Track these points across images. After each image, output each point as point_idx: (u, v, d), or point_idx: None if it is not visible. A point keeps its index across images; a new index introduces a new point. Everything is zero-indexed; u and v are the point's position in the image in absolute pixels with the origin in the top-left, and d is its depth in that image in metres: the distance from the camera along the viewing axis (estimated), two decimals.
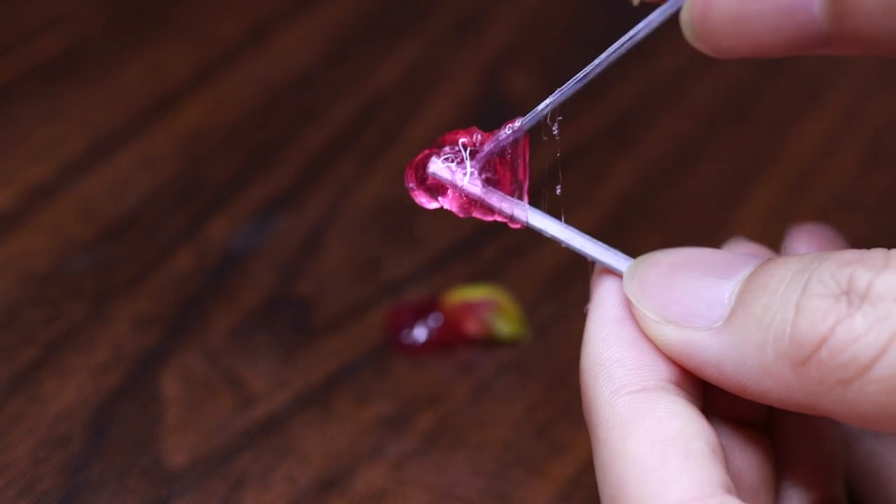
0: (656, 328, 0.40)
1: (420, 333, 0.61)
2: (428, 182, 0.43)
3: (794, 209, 0.70)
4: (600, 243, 0.43)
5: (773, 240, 0.68)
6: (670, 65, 0.78)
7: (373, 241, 0.66)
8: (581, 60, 0.67)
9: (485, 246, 0.66)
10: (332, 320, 0.62)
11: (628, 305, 0.41)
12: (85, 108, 0.73)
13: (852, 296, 0.36)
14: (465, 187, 0.43)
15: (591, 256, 0.43)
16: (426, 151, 0.43)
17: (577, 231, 0.43)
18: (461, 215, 0.44)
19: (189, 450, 0.55)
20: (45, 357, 0.59)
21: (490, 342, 0.61)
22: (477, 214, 0.44)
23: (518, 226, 0.44)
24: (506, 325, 0.61)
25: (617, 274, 0.42)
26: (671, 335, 0.40)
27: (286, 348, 0.60)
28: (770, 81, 0.78)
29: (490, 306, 0.61)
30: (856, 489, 0.47)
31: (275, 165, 0.70)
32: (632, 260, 0.42)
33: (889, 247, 0.47)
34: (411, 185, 0.44)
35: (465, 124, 0.74)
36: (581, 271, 0.65)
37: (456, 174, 0.43)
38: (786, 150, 0.74)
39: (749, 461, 0.43)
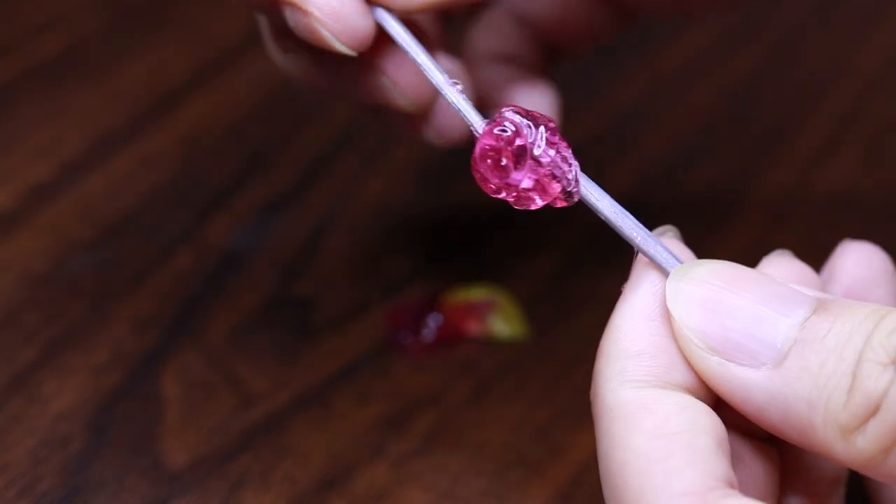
0: (699, 356, 0.40)
1: (420, 333, 0.60)
2: (503, 157, 0.42)
3: (794, 209, 0.70)
4: (650, 233, 0.42)
5: (773, 240, 0.68)
6: (670, 65, 0.78)
7: (373, 241, 0.66)
8: (581, 60, 0.67)
9: (485, 246, 0.66)
10: (332, 320, 0.62)
11: (663, 306, 0.40)
12: (85, 108, 0.73)
13: None
14: (539, 142, 0.41)
15: (639, 246, 0.42)
16: (487, 131, 0.42)
17: (629, 215, 0.42)
18: (526, 198, 0.42)
19: (189, 450, 0.55)
20: (45, 357, 0.59)
21: (490, 342, 0.61)
22: (530, 197, 0.42)
23: (563, 203, 0.43)
24: (506, 325, 0.61)
25: (661, 270, 0.41)
26: (715, 368, 0.39)
27: (286, 348, 0.60)
28: (770, 81, 0.78)
29: (490, 306, 0.61)
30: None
31: (275, 165, 0.70)
32: (678, 262, 0.41)
33: (888, 245, 0.47)
34: (486, 164, 0.42)
35: (465, 124, 0.74)
36: (581, 271, 0.65)
37: (531, 134, 0.42)
38: (786, 150, 0.74)
39: (755, 471, 0.43)
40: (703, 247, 0.67)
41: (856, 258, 0.46)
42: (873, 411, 0.37)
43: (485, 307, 0.61)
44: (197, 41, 0.78)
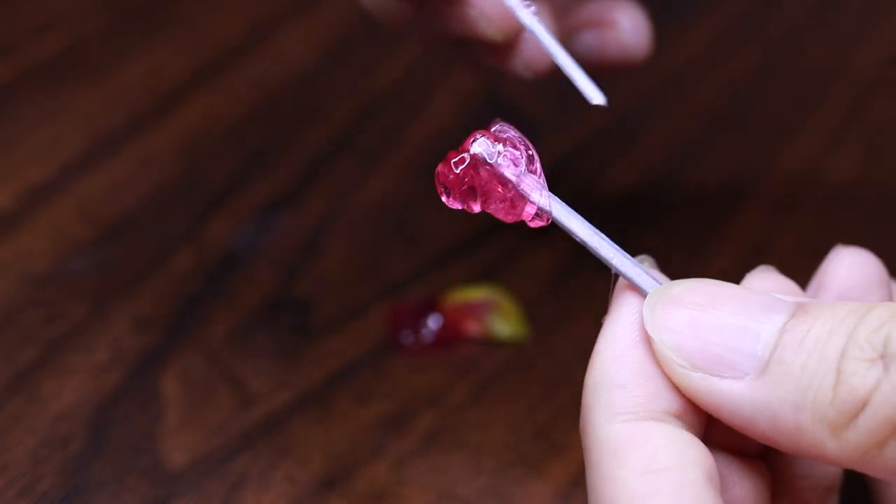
0: (682, 374, 0.39)
1: (420, 333, 0.60)
2: (467, 175, 0.42)
3: (794, 209, 0.70)
4: (626, 254, 0.41)
5: (773, 239, 0.68)
6: (670, 65, 0.78)
7: (373, 241, 0.66)
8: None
9: (485, 246, 0.66)
10: (332, 320, 0.62)
11: (644, 330, 0.40)
12: (85, 109, 0.73)
13: (887, 359, 0.36)
14: (501, 168, 0.41)
15: (616, 268, 0.41)
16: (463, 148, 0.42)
17: (603, 236, 0.42)
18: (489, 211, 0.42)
19: (189, 450, 0.55)
20: (45, 357, 0.59)
21: (490, 342, 0.61)
22: (497, 210, 0.42)
23: (539, 223, 0.42)
24: (506, 325, 0.61)
25: (639, 292, 0.41)
26: (699, 384, 0.39)
27: (286, 348, 0.60)
28: (770, 81, 0.78)
29: (490, 306, 0.61)
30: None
31: (275, 165, 0.70)
32: (656, 282, 0.41)
33: (888, 245, 0.46)
34: (444, 185, 0.42)
35: (465, 124, 0.74)
36: (581, 271, 0.65)
37: (500, 156, 0.42)
38: (786, 150, 0.74)
39: (746, 490, 0.42)
40: (704, 245, 0.68)
41: (849, 264, 0.46)
42: (862, 406, 0.37)
43: (485, 307, 0.61)
44: (197, 41, 0.78)
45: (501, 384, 0.59)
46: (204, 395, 0.58)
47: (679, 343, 0.39)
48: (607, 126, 0.74)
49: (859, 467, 0.38)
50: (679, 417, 0.40)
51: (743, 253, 0.67)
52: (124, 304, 0.62)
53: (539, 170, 0.42)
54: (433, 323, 0.61)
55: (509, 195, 0.41)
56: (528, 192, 0.41)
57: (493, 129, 0.42)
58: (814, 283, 0.46)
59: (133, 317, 0.61)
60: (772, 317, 0.39)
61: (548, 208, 0.42)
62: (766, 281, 0.44)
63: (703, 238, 0.68)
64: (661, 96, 0.77)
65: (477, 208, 0.42)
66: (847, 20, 0.83)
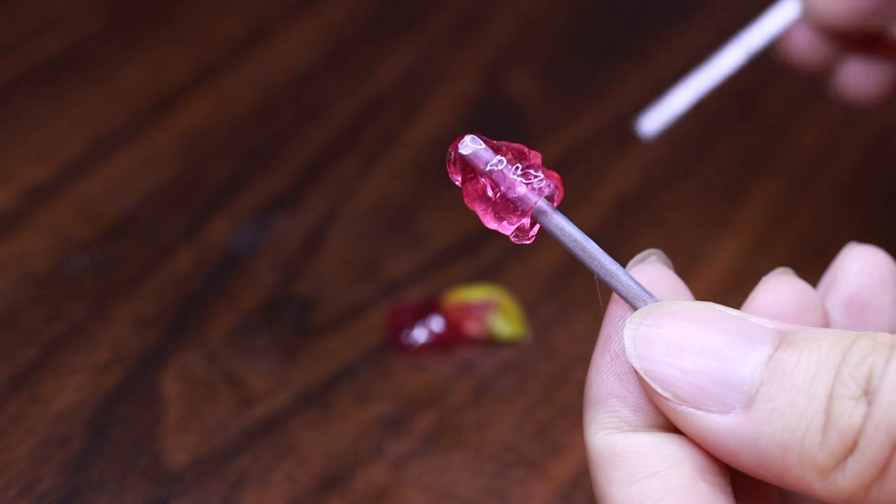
0: (667, 407, 0.39)
1: (420, 333, 0.61)
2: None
3: (794, 209, 0.70)
4: (619, 267, 0.40)
5: (773, 240, 0.68)
6: (670, 65, 0.78)
7: (373, 241, 0.66)
8: (581, 61, 0.67)
9: (485, 246, 0.66)
10: (332, 320, 0.62)
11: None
12: (85, 108, 0.73)
13: (870, 395, 0.36)
14: (491, 168, 0.40)
15: (607, 282, 0.40)
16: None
17: (596, 247, 0.40)
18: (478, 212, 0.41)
19: (189, 450, 0.55)
20: (45, 357, 0.59)
21: (490, 342, 0.61)
22: (490, 219, 0.41)
23: (526, 239, 0.42)
24: (506, 325, 0.61)
25: (630, 304, 0.40)
26: (683, 417, 0.38)
27: (286, 348, 0.60)
28: (771, 81, 0.78)
29: (490, 306, 0.61)
30: None
31: (275, 165, 0.70)
32: (650, 297, 0.40)
33: (888, 246, 0.46)
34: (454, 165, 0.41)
35: (464, 124, 0.75)
36: (581, 271, 0.65)
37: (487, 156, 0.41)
38: (786, 150, 0.74)
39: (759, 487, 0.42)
40: (703, 248, 0.68)
41: (861, 262, 0.45)
42: (851, 449, 0.36)
43: (485, 307, 0.61)
44: (197, 41, 0.78)
45: (501, 384, 0.59)
46: (204, 395, 0.58)
47: (662, 375, 0.38)
48: (607, 127, 0.74)
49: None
50: (665, 427, 0.39)
51: (743, 254, 0.67)
52: (124, 304, 0.62)
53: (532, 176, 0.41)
54: (433, 323, 0.61)
55: (496, 199, 0.41)
56: (520, 198, 0.41)
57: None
58: (825, 280, 0.46)
59: (133, 317, 0.61)
60: (756, 347, 0.38)
61: (542, 218, 0.41)
62: (783, 287, 0.43)
63: (703, 238, 0.68)
64: (660, 96, 0.77)
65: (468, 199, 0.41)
66: None
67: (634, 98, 0.76)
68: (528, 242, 0.41)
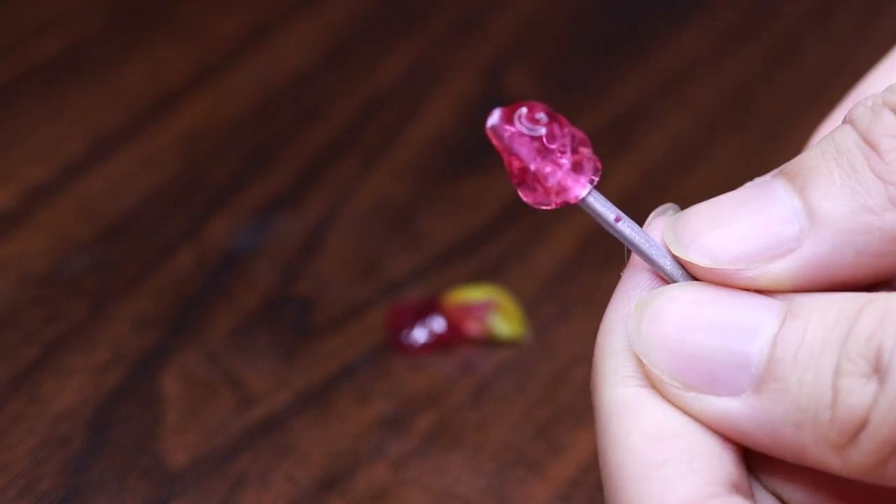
0: (675, 394, 0.38)
1: (420, 333, 0.60)
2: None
3: None
4: (653, 240, 0.40)
5: None
6: (670, 65, 0.78)
7: (373, 241, 0.66)
8: (581, 61, 0.67)
9: (485, 246, 0.66)
10: (332, 320, 0.62)
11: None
12: (85, 108, 0.73)
13: (881, 374, 0.35)
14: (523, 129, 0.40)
15: (644, 253, 0.40)
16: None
17: (632, 222, 0.40)
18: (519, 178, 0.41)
19: (189, 450, 0.55)
20: (45, 357, 0.59)
21: (490, 342, 0.61)
22: (525, 191, 0.41)
23: (565, 201, 0.41)
24: (506, 325, 0.61)
25: (661, 276, 0.39)
26: (693, 403, 0.37)
27: (286, 348, 0.60)
28: (771, 82, 0.78)
29: (490, 306, 0.61)
30: None
31: (275, 165, 0.70)
32: (681, 273, 0.39)
33: None
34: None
35: (464, 124, 0.75)
36: (581, 271, 0.65)
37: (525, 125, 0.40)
38: (786, 150, 0.74)
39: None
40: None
41: None
42: (862, 425, 0.36)
43: (485, 307, 0.61)
44: (197, 41, 0.78)
45: (501, 384, 0.59)
46: (204, 395, 0.58)
47: (667, 364, 0.38)
48: (607, 127, 0.74)
49: (867, 481, 0.37)
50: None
51: None
52: (124, 304, 0.62)
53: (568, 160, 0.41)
54: (433, 323, 0.61)
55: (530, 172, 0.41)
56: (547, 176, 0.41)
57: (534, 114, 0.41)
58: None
59: (133, 317, 0.61)
60: (761, 324, 0.37)
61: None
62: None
63: None
64: (660, 97, 0.77)
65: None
66: (847, 20, 0.83)
67: (634, 98, 0.76)
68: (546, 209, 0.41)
